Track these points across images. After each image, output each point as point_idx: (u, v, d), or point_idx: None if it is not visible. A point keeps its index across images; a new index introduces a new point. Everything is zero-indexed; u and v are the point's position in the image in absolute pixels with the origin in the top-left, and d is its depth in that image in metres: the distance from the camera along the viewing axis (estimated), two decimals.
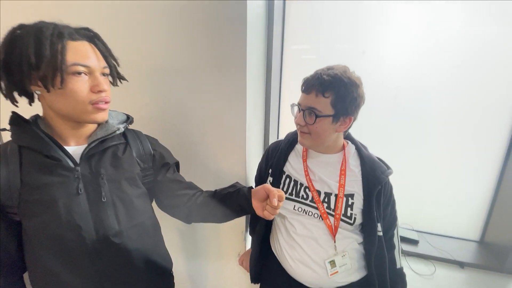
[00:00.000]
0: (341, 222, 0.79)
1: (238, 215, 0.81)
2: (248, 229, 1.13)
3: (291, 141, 0.91)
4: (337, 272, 0.78)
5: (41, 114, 0.67)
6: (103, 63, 0.64)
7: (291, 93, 1.34)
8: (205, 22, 0.93)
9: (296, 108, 0.80)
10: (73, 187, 0.62)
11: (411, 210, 1.30)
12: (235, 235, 1.16)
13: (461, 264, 1.18)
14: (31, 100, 0.63)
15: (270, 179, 0.90)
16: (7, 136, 0.65)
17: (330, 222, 0.79)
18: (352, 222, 0.79)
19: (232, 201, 0.78)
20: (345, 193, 0.80)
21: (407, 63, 1.15)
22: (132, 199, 0.70)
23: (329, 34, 1.22)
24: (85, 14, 1.02)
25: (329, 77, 0.72)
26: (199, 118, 1.04)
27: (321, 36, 1.24)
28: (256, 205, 0.74)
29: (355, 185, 0.80)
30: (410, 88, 1.17)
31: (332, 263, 0.79)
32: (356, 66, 0.77)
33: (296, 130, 0.92)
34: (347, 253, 0.80)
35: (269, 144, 1.11)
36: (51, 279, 0.63)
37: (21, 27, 0.57)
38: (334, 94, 0.72)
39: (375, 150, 0.87)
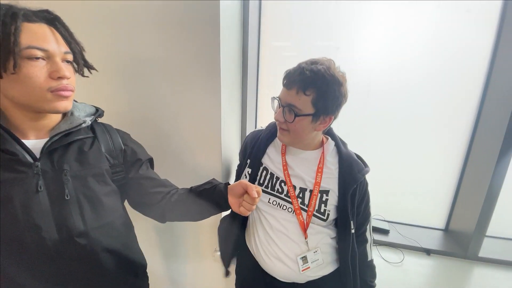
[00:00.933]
0: (314, 218, 0.80)
1: (215, 212, 0.79)
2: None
3: (272, 132, 0.89)
4: (308, 267, 0.80)
5: None
6: (64, 48, 0.59)
7: (269, 88, 1.35)
8: (179, 15, 0.91)
9: (276, 103, 0.77)
10: (32, 184, 0.57)
11: (383, 202, 1.36)
12: (211, 232, 1.16)
13: (427, 251, 1.24)
14: None
15: (248, 170, 0.88)
16: None
17: (303, 218, 0.80)
18: (325, 218, 0.80)
19: (208, 198, 0.76)
20: (320, 189, 0.80)
21: (380, 60, 1.19)
22: (99, 197, 0.66)
23: (304, 31, 1.23)
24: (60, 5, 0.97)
25: (311, 73, 0.69)
26: (172, 111, 1.01)
27: (297, 33, 1.25)
28: (232, 201, 0.73)
29: (331, 182, 0.81)
30: (383, 85, 1.21)
31: (304, 259, 0.80)
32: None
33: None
34: (319, 248, 0.81)
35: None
36: (10, 283, 0.58)
37: None
38: (316, 92, 0.69)
39: (352, 143, 0.89)
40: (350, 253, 0.82)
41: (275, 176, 0.84)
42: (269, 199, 0.83)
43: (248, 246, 0.92)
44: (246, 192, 0.69)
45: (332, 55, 0.75)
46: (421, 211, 1.35)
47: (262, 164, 0.87)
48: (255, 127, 1.37)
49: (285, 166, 0.83)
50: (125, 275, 0.74)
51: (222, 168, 1.05)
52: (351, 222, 0.81)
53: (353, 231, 0.82)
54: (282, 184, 0.83)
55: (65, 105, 0.60)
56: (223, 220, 1.05)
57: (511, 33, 1.02)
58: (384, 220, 1.34)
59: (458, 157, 1.23)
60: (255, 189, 0.67)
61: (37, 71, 0.54)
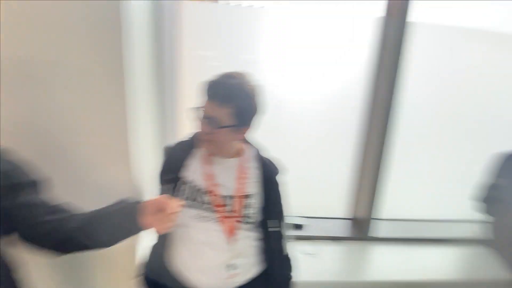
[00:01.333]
0: (241, 224, 0.83)
1: (125, 236, 0.70)
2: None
3: (192, 143, 0.88)
4: (237, 273, 0.82)
5: None
6: None
7: (192, 97, 1.34)
8: (78, 18, 0.84)
9: (197, 113, 0.78)
10: None
11: (300, 198, 1.50)
12: (129, 259, 1.05)
13: (336, 239, 1.43)
14: None
15: (169, 186, 0.84)
16: None
17: (228, 225, 0.82)
18: (252, 221, 0.84)
19: (118, 221, 0.67)
20: (244, 194, 0.84)
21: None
22: None
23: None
24: None
25: (232, 86, 0.73)
26: (69, 122, 0.91)
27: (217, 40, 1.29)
28: (147, 220, 0.65)
29: (254, 186, 0.86)
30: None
31: (231, 266, 0.82)
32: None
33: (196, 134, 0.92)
34: (246, 252, 0.85)
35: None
36: None
37: None
38: (236, 106, 0.74)
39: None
40: (274, 251, 0.89)
41: (196, 188, 0.84)
42: (192, 212, 0.82)
43: (173, 265, 0.87)
44: (161, 208, 0.64)
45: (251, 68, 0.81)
46: (328, 205, 1.56)
47: (181, 177, 0.85)
48: (177, 135, 1.35)
49: (209, 176, 0.84)
50: None
51: (134, 185, 0.99)
52: (273, 221, 0.88)
53: (271, 229, 0.88)
54: (205, 194, 0.83)
55: None
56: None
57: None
58: (301, 216, 1.48)
59: (350, 154, 1.45)
60: (173, 204, 0.64)
61: None
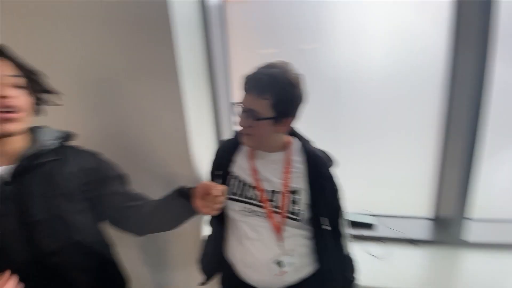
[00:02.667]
0: (288, 220, 0.80)
1: (186, 217, 0.80)
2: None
3: (238, 140, 0.89)
4: (286, 272, 0.79)
5: None
6: (10, 71, 0.62)
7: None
8: (131, 29, 0.93)
9: (238, 108, 0.79)
10: (1, 208, 0.60)
11: (367, 196, 1.35)
12: (194, 243, 1.14)
13: (415, 242, 1.23)
14: None
15: (219, 180, 0.87)
16: None
17: (276, 221, 0.80)
18: (299, 218, 0.80)
19: (175, 205, 0.77)
20: (290, 190, 0.81)
21: (346, 58, 1.21)
22: (68, 216, 0.69)
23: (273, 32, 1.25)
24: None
25: (267, 77, 0.71)
26: (137, 126, 1.03)
27: (266, 34, 1.26)
28: (198, 203, 0.73)
29: (300, 181, 0.82)
30: (350, 81, 1.23)
31: (280, 263, 0.79)
32: (301, 62, 0.79)
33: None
34: (295, 251, 0.81)
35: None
36: None
37: None
38: (274, 96, 0.72)
39: (322, 142, 0.90)
40: (328, 251, 0.82)
41: (243, 183, 0.84)
42: (242, 206, 0.83)
43: (227, 257, 0.91)
44: (208, 192, 0.70)
45: (299, 55, 0.76)
46: (406, 201, 1.34)
47: (231, 172, 0.87)
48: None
49: (253, 170, 0.84)
50: None
51: (195, 176, 1.05)
52: (325, 219, 0.81)
53: (327, 227, 0.81)
54: (253, 189, 0.83)
55: (12, 127, 0.62)
56: (208, 236, 1.03)
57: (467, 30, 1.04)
58: (369, 214, 1.33)
59: (435, 141, 1.23)
60: (216, 187, 0.68)
61: None
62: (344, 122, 1.29)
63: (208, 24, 1.13)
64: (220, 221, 0.90)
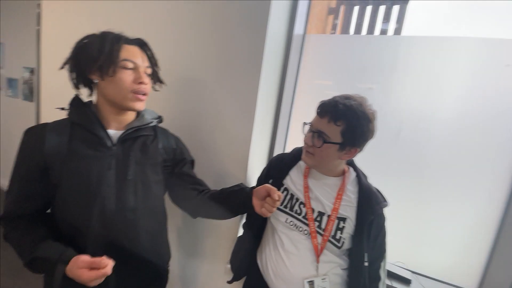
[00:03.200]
0: (328, 244, 0.81)
1: (240, 211, 0.88)
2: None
3: (296, 156, 0.94)
4: None
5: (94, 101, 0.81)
6: (147, 63, 0.78)
7: (302, 116, 1.43)
8: (226, 39, 1.08)
9: (307, 127, 0.84)
10: (106, 163, 0.74)
11: (407, 249, 1.27)
12: (227, 242, 1.20)
13: None
14: (89, 89, 0.79)
15: None
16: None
17: (317, 242, 0.81)
18: (340, 245, 0.80)
19: (236, 198, 0.84)
20: (338, 216, 0.82)
21: (413, 100, 1.21)
22: (150, 183, 0.80)
23: (340, 67, 1.33)
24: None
25: (344, 107, 0.75)
26: (210, 125, 1.16)
27: (333, 69, 1.35)
28: (255, 202, 0.79)
29: (349, 210, 0.83)
30: (415, 125, 1.22)
31: (311, 284, 0.79)
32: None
33: (302, 147, 0.98)
34: (328, 277, 0.81)
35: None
36: (70, 234, 0.71)
37: (89, 36, 0.75)
38: (346, 124, 0.75)
39: (375, 182, 0.90)
40: (361, 286, 0.80)
41: (295, 197, 0.87)
42: (287, 219, 0.86)
43: (258, 263, 0.93)
44: (268, 195, 0.75)
45: (365, 94, 0.82)
46: (450, 267, 1.23)
47: (284, 184, 0.91)
48: (284, 149, 1.43)
49: (306, 188, 0.87)
50: (155, 258, 0.84)
51: (246, 180, 1.12)
52: (365, 254, 0.80)
53: (366, 264, 0.80)
54: (301, 205, 0.85)
55: (140, 105, 0.77)
56: (239, 237, 1.09)
57: None
58: (406, 269, 1.24)
59: (496, 210, 1.13)
60: (276, 193, 0.73)
61: (127, 76, 0.73)
62: (400, 165, 1.27)
63: (290, 49, 1.25)
64: (258, 226, 0.94)
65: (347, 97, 0.78)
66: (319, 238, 0.81)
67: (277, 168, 0.94)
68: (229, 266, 1.10)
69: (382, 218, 0.84)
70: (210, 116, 1.15)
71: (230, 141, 1.12)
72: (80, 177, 0.71)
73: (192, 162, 0.98)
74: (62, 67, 0.75)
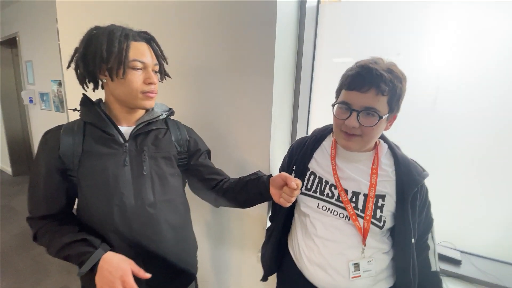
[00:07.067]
0: (371, 226, 0.74)
1: (258, 201, 0.85)
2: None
3: (318, 138, 0.88)
4: (359, 276, 0.73)
5: (103, 99, 0.81)
6: (155, 61, 0.76)
7: (322, 96, 1.34)
8: (235, 24, 1.02)
9: (343, 108, 0.72)
10: (121, 159, 0.74)
11: (454, 227, 1.16)
12: (256, 230, 1.18)
13: None
14: (95, 87, 0.78)
15: (292, 175, 0.87)
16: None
17: (359, 224, 0.75)
18: (381, 225, 0.73)
19: (253, 187, 0.82)
20: (376, 193, 0.75)
21: (448, 64, 1.07)
22: (166, 176, 0.80)
23: (363, 35, 1.20)
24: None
25: (388, 73, 0.67)
26: (226, 114, 1.12)
27: (355, 38, 1.22)
28: (273, 192, 0.77)
29: (387, 185, 0.75)
30: (452, 91, 1.08)
31: (356, 266, 0.74)
32: None
33: (324, 128, 0.91)
34: (374, 259, 0.75)
35: None
36: (95, 232, 0.73)
37: (97, 28, 0.73)
38: (391, 92, 0.67)
39: (411, 155, 0.81)
40: (411, 266, 0.73)
41: (324, 180, 0.81)
42: (318, 204, 0.80)
43: (291, 252, 0.90)
44: (285, 184, 0.72)
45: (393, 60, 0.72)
46: (504, 244, 1.10)
47: (309, 169, 0.85)
48: (306, 133, 1.36)
49: (335, 169, 0.80)
50: (180, 250, 0.85)
51: (270, 168, 1.09)
52: (412, 231, 0.72)
53: (413, 241, 0.73)
54: (332, 188, 0.79)
55: (150, 103, 0.77)
56: (268, 229, 1.05)
57: None
58: (455, 249, 1.14)
59: None
60: (294, 181, 0.69)
61: (137, 77, 0.72)
62: (437, 139, 1.13)
63: (304, 24, 1.16)
64: (285, 214, 0.90)
65: (377, 62, 0.69)
66: (360, 220, 0.74)
67: (300, 153, 0.89)
68: (260, 254, 1.09)
69: (425, 189, 0.76)
70: (226, 103, 1.12)
71: (249, 128, 1.08)
72: (97, 175, 0.71)
73: (208, 152, 0.96)
74: (68, 66, 0.74)
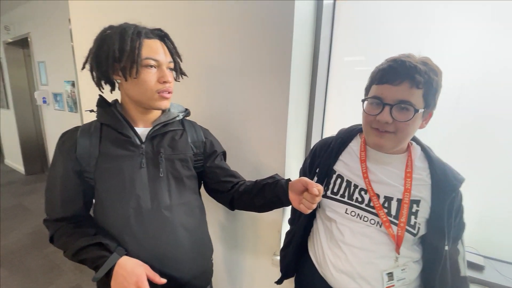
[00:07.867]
0: (405, 233, 0.70)
1: (276, 206, 0.82)
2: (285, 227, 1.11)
3: (344, 139, 0.84)
4: (393, 286, 0.70)
5: (119, 100, 0.80)
6: (169, 58, 0.75)
7: (338, 97, 1.31)
8: (252, 24, 1.01)
9: (374, 103, 0.69)
10: (137, 161, 0.73)
11: (477, 232, 1.12)
12: (271, 234, 1.16)
13: None
14: (112, 88, 0.77)
15: (314, 179, 0.84)
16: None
17: (393, 231, 0.70)
18: (415, 232, 0.70)
19: (270, 192, 0.79)
20: (411, 198, 0.70)
21: (473, 62, 1.03)
22: (183, 178, 0.78)
23: (381, 34, 1.17)
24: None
25: (423, 65, 0.64)
26: (242, 115, 1.11)
27: (373, 37, 1.19)
28: (293, 197, 0.74)
29: (423, 190, 0.71)
30: (475, 89, 1.04)
31: (390, 275, 0.70)
32: None
33: (351, 128, 0.86)
34: (407, 266, 0.71)
35: (312, 144, 1.07)
36: (112, 234, 0.72)
37: (110, 27, 0.71)
38: (427, 85, 0.64)
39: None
40: (443, 272, 0.70)
41: (352, 184, 0.77)
42: (346, 209, 0.76)
43: (312, 257, 0.86)
44: (306, 189, 0.69)
45: None
46: None
47: (335, 171, 0.81)
48: (321, 136, 1.34)
49: (366, 172, 0.75)
50: (195, 254, 0.82)
51: (285, 170, 1.06)
52: (446, 237, 0.68)
53: (446, 248, 0.69)
54: (362, 192, 0.75)
55: (166, 104, 0.75)
56: (287, 233, 1.02)
57: None
58: (478, 254, 1.10)
59: None
60: (315, 187, 0.66)
61: (151, 76, 0.70)
62: (460, 139, 1.10)
63: (321, 22, 1.13)
64: (306, 219, 0.87)
65: (409, 56, 0.67)
66: (394, 228, 0.70)
67: (324, 155, 0.84)
68: (276, 258, 1.07)
69: (460, 194, 0.72)
70: (241, 103, 1.10)
71: (265, 129, 1.06)
72: (114, 177, 0.71)
73: (224, 154, 0.95)
74: (83, 68, 0.74)
